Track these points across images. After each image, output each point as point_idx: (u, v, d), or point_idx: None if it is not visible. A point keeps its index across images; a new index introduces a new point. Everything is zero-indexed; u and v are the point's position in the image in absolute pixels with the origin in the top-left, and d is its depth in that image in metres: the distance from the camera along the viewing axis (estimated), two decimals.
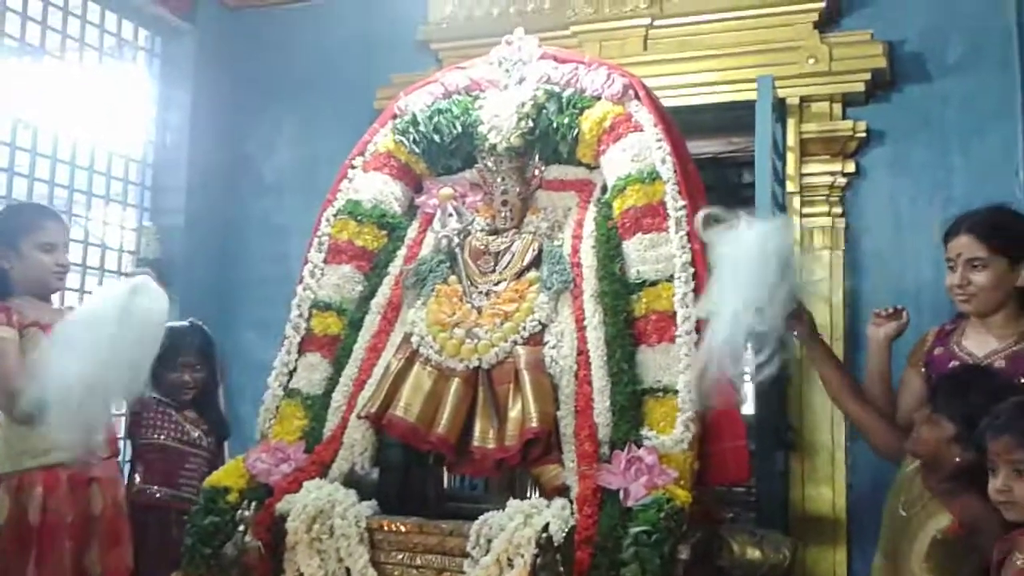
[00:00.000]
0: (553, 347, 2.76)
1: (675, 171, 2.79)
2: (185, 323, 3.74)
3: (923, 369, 2.76)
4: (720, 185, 5.02)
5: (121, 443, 4.13)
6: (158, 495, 3.51)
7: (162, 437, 3.57)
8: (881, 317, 2.91)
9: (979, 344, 2.66)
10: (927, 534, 2.36)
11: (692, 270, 2.70)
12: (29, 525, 2.93)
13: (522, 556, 2.30)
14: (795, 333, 2.76)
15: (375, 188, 3.15)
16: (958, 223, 2.69)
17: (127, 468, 3.75)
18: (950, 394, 2.39)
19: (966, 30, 3.84)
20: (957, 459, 2.28)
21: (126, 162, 4.67)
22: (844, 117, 3.90)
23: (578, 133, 2.96)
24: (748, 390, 4.92)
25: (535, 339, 2.77)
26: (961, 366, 2.62)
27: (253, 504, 2.55)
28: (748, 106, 3.65)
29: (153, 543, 3.42)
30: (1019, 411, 2.06)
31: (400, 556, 2.53)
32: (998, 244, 2.61)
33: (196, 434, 3.61)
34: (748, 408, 4.50)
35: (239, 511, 2.52)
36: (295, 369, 3.00)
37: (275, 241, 4.79)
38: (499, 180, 3.06)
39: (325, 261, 3.10)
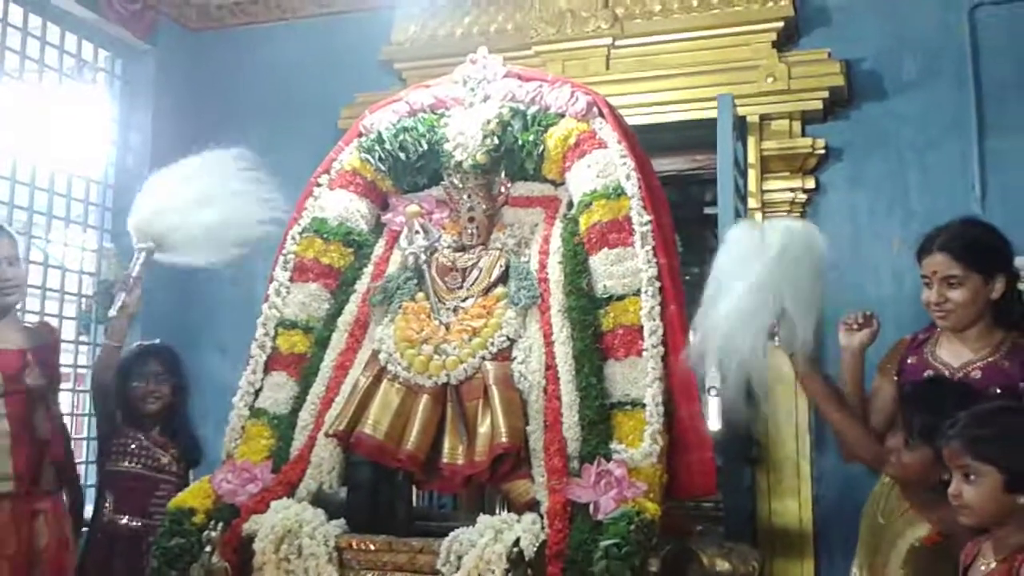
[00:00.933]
0: (521, 362, 2.77)
1: (640, 187, 2.81)
2: (155, 341, 3.72)
3: (895, 377, 2.79)
4: (684, 202, 5.07)
5: (84, 469, 4.09)
6: (131, 524, 3.45)
7: (131, 464, 3.51)
8: (852, 325, 2.91)
9: (954, 355, 2.68)
10: (906, 542, 2.38)
11: (658, 284, 2.72)
12: None
13: (493, 572, 2.30)
14: (777, 342, 2.73)
15: (341, 206, 3.15)
16: (931, 240, 2.69)
17: (93, 495, 3.69)
18: (924, 412, 2.39)
19: (921, 49, 3.94)
20: (945, 477, 2.27)
21: (87, 183, 4.63)
22: (803, 134, 3.98)
23: (543, 150, 2.98)
24: (714, 406, 4.96)
25: (503, 355, 2.78)
26: (929, 381, 2.62)
27: (220, 525, 2.52)
28: (709, 124, 3.69)
29: (126, 572, 3.36)
30: (970, 419, 2.09)
31: (370, 575, 2.52)
32: (972, 261, 2.62)
33: (166, 460, 3.55)
34: (715, 424, 4.54)
35: (205, 532, 2.49)
36: (261, 388, 2.97)
37: (238, 262, 4.74)
38: (465, 197, 3.07)
39: (291, 279, 3.09)
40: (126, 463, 3.51)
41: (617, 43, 4.25)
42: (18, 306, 3.44)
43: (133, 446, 3.53)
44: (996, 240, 2.69)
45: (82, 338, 4.58)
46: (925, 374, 2.68)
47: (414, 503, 3.09)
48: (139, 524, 3.42)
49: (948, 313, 2.64)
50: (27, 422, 3.00)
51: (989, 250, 2.66)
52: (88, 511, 3.61)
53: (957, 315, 2.64)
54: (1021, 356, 2.59)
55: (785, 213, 3.95)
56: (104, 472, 3.57)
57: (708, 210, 4.40)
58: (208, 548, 2.44)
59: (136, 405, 3.56)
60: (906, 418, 2.46)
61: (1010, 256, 2.67)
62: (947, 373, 2.63)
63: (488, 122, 3.00)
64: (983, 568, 2.03)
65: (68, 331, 4.45)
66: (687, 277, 5.95)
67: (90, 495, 3.79)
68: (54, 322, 4.25)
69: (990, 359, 2.61)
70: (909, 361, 2.75)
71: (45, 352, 3.16)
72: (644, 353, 2.66)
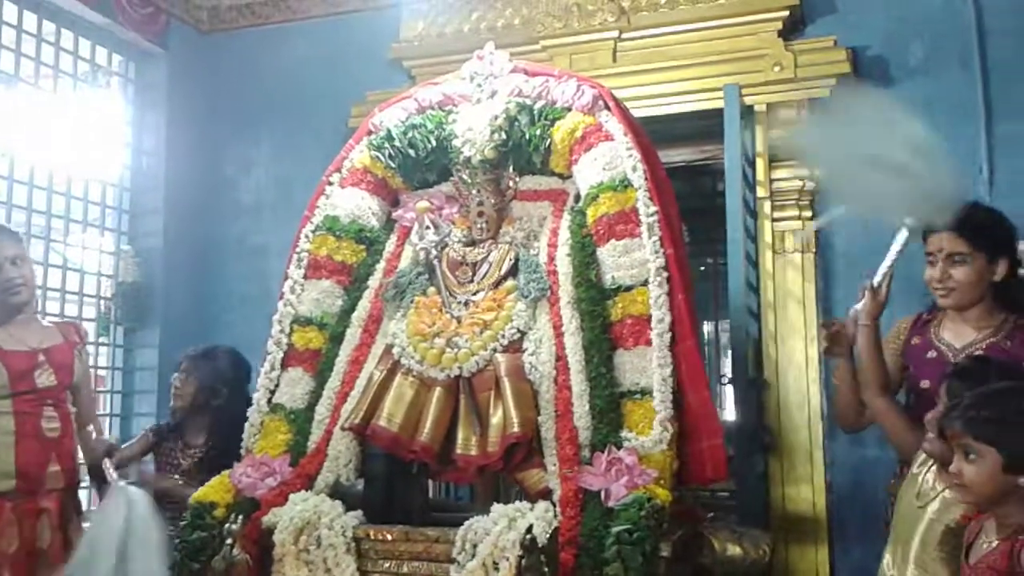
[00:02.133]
0: (532, 354, 2.80)
1: (646, 178, 2.84)
2: (210, 345, 3.80)
3: (900, 358, 2.81)
4: (694, 192, 5.10)
5: None
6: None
7: (162, 471, 3.65)
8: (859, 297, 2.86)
9: (957, 335, 2.73)
10: (940, 523, 2.40)
11: (666, 274, 2.75)
12: None
13: (507, 559, 2.34)
14: (859, 308, 2.75)
15: (352, 203, 3.19)
16: None
17: None
18: (968, 390, 2.38)
19: (927, 34, 3.94)
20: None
21: (103, 187, 4.70)
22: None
23: (550, 144, 3.01)
24: (727, 394, 4.99)
25: (514, 346, 2.82)
26: (974, 359, 2.61)
27: (240, 518, 2.57)
28: (717, 114, 3.72)
29: None
30: (973, 399, 2.10)
31: (387, 564, 2.56)
32: (979, 240, 2.68)
33: (185, 465, 3.62)
34: (728, 412, 4.57)
35: (226, 525, 2.54)
36: (278, 384, 3.02)
37: (253, 261, 4.83)
38: (474, 192, 3.11)
39: (305, 277, 3.13)
40: (159, 472, 3.63)
41: (624, 36, 4.27)
42: (36, 308, 3.48)
43: (165, 455, 3.64)
44: (1002, 223, 2.74)
45: (101, 340, 4.65)
46: (928, 355, 2.72)
47: (432, 495, 3.13)
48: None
49: (950, 291, 2.68)
50: (35, 422, 3.04)
51: (995, 231, 2.70)
52: None
53: (959, 293, 2.67)
54: (1022, 337, 2.62)
55: (794, 202, 3.97)
56: None
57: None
58: (229, 541, 2.50)
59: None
60: (948, 396, 2.46)
61: (1014, 240, 2.72)
62: (950, 354, 2.67)
63: (495, 117, 3.03)
64: (985, 547, 2.05)
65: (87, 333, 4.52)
66: (701, 268, 6.00)
67: None
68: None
69: (992, 339, 2.65)
70: (913, 341, 2.78)
71: (58, 353, 3.19)
72: (653, 342, 2.69)
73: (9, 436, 2.99)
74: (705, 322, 6.27)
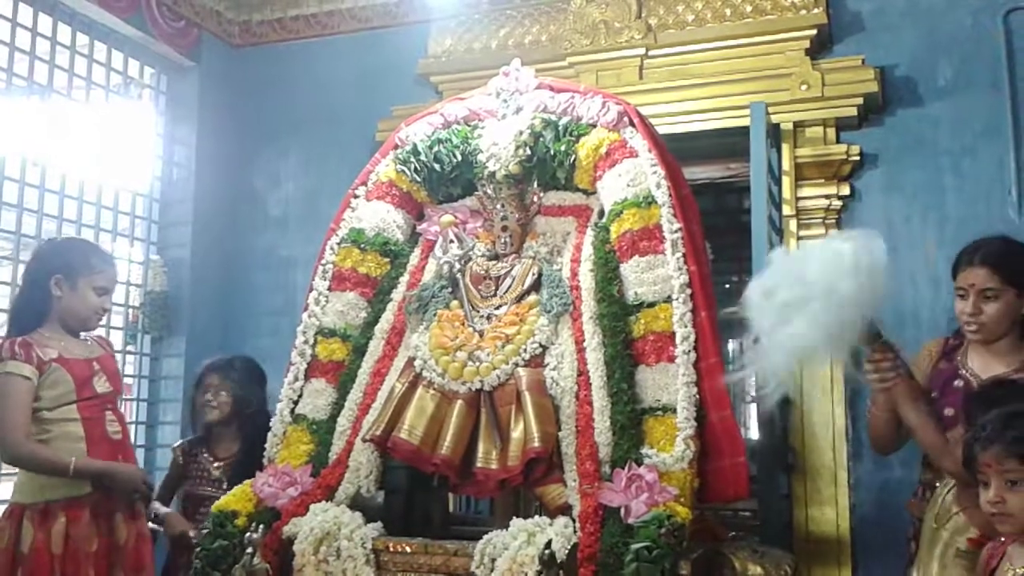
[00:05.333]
0: (554, 368, 2.80)
1: (670, 195, 2.84)
2: (227, 356, 3.83)
3: (927, 383, 2.79)
4: (720, 210, 5.09)
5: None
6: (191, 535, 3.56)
7: (192, 485, 3.68)
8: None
9: (983, 366, 2.71)
10: (953, 545, 2.38)
11: (689, 291, 2.74)
12: (52, 554, 2.95)
13: (526, 574, 2.33)
14: (872, 367, 2.57)
15: (378, 216, 3.21)
16: (971, 255, 2.73)
17: None
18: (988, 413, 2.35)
19: (955, 54, 3.92)
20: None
21: (133, 197, 4.75)
22: (838, 141, 3.98)
23: (575, 160, 3.02)
24: (751, 413, 4.96)
25: (536, 361, 2.82)
26: (996, 382, 2.60)
27: (261, 527, 2.59)
28: (744, 132, 3.70)
29: None
30: (1004, 421, 2.07)
31: None
32: (1010, 275, 2.68)
33: (216, 474, 3.65)
34: (752, 432, 4.54)
35: (247, 534, 2.55)
36: (301, 395, 3.04)
37: (280, 273, 4.87)
38: (499, 207, 3.12)
39: (329, 289, 3.15)
40: (190, 484, 3.67)
41: (650, 53, 4.28)
42: None
43: (195, 467, 3.68)
44: None
45: (129, 348, 4.70)
46: (955, 383, 2.70)
47: (452, 508, 3.13)
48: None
49: (981, 326, 2.68)
50: (101, 426, 3.12)
51: None
52: None
53: (989, 328, 2.68)
54: None
55: (820, 220, 3.96)
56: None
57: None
58: (249, 550, 2.50)
59: (202, 418, 3.70)
60: (969, 418, 2.44)
61: None
62: (975, 384, 2.66)
63: (520, 133, 3.04)
64: (1011, 574, 2.02)
65: (115, 341, 4.56)
66: (726, 285, 5.98)
67: None
68: (101, 332, 4.36)
69: (1019, 374, 2.63)
70: (941, 366, 2.76)
71: (108, 362, 3.28)
72: (676, 359, 2.68)
73: (80, 442, 3.06)
74: (730, 340, 6.24)
